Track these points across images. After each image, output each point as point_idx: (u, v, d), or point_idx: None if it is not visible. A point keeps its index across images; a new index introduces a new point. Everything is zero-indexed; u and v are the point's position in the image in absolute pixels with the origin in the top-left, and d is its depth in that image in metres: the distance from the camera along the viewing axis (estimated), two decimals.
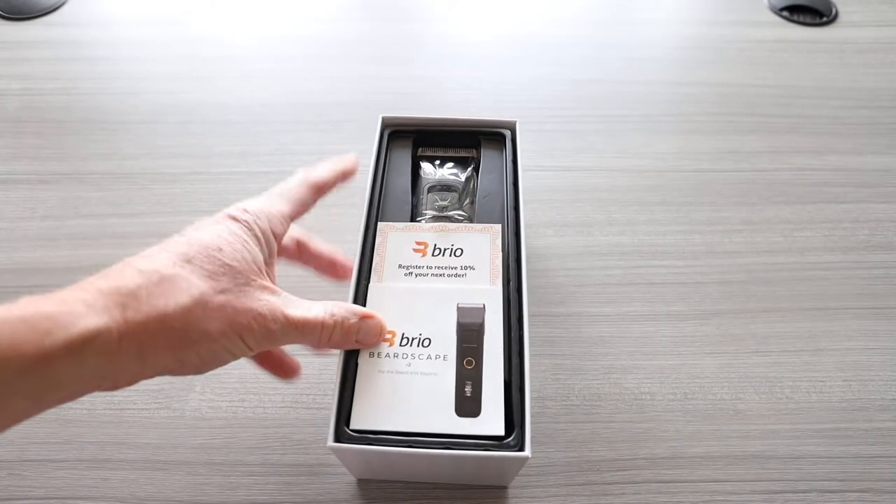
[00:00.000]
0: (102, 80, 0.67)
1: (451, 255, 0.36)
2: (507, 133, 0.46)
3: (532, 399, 0.33)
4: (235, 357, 0.27)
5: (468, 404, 0.31)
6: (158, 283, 0.24)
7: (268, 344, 0.28)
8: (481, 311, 0.34)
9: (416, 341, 0.33)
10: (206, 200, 0.55)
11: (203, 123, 0.63)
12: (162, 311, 0.24)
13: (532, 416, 0.32)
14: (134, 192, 0.57)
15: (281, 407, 0.43)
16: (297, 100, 0.66)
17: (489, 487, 0.40)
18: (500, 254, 0.37)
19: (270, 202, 0.32)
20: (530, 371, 0.34)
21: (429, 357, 0.32)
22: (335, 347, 0.31)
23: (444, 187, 0.43)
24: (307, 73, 0.69)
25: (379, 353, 0.32)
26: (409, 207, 0.42)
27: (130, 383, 0.25)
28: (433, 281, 0.35)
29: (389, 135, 0.45)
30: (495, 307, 0.34)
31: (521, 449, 0.31)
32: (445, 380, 0.32)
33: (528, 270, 0.38)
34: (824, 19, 0.77)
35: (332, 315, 0.30)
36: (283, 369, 0.36)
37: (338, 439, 0.31)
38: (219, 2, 0.78)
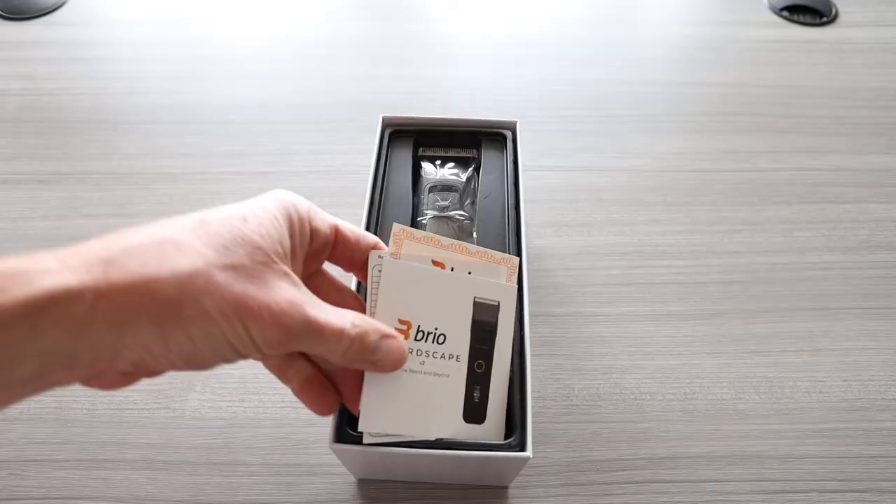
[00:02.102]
0: (102, 80, 0.67)
1: None
2: (508, 133, 0.46)
3: (532, 399, 0.33)
4: (238, 354, 0.22)
5: (475, 410, 0.31)
6: (159, 243, 0.21)
7: (279, 345, 0.23)
8: (496, 308, 0.32)
9: (431, 337, 0.31)
10: (206, 200, 0.55)
11: (203, 123, 0.63)
12: (154, 273, 0.20)
13: (532, 416, 0.32)
14: (134, 192, 0.56)
15: (281, 407, 0.43)
16: (297, 100, 0.66)
17: (489, 487, 0.40)
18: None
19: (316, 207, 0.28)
20: (531, 371, 0.34)
21: (443, 356, 0.31)
22: (350, 364, 0.27)
23: (444, 187, 0.43)
24: (307, 73, 0.69)
25: None
26: (410, 208, 0.42)
27: (102, 370, 0.20)
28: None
29: (390, 135, 0.45)
30: (509, 306, 0.32)
31: (523, 449, 0.31)
32: (457, 383, 0.31)
33: (528, 270, 0.38)
34: (824, 19, 0.77)
35: (354, 325, 0.26)
36: (323, 400, 0.29)
37: (339, 439, 0.31)
38: (219, 2, 0.78)
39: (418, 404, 0.30)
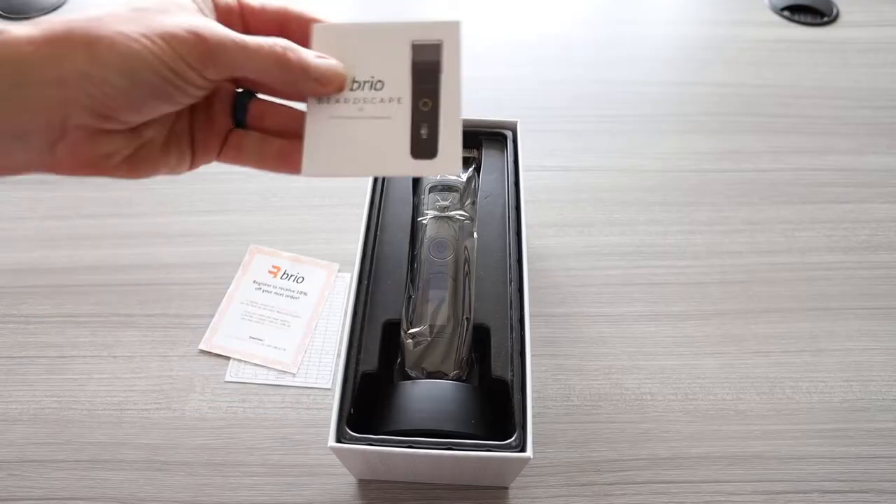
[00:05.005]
0: None
1: None
2: (509, 133, 0.46)
3: (533, 399, 0.33)
4: (173, 73, 0.24)
5: (424, 146, 0.30)
6: (80, 12, 0.25)
7: (209, 62, 0.24)
8: (438, 47, 0.31)
9: (367, 84, 0.30)
10: (206, 200, 0.55)
11: None
12: (74, 19, 0.24)
13: (533, 417, 0.32)
14: (134, 192, 0.56)
15: (281, 407, 0.43)
16: None
17: (490, 488, 0.40)
18: None
19: None
20: (531, 372, 0.34)
21: (381, 100, 0.30)
22: (289, 86, 0.28)
23: (445, 187, 0.43)
24: None
25: (329, 100, 0.30)
26: (411, 208, 0.42)
27: (59, 124, 0.24)
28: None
29: None
30: (454, 43, 0.31)
31: (523, 450, 0.31)
32: (400, 122, 0.30)
33: (528, 270, 0.38)
34: (825, 19, 0.77)
35: (276, 42, 0.26)
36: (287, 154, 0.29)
37: (339, 440, 0.31)
38: None
39: (361, 146, 0.29)
